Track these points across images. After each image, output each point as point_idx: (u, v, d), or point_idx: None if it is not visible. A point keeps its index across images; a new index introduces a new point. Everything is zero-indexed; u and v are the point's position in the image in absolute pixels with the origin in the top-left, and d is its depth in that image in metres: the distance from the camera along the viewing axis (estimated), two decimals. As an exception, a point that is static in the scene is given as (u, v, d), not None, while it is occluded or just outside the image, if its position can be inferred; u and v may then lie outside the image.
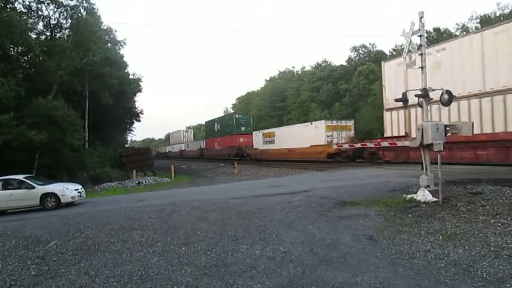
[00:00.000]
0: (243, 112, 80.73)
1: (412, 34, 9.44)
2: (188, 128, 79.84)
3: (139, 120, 43.73)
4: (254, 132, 38.76)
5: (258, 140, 36.44)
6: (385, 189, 10.29)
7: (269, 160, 32.81)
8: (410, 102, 10.41)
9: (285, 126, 40.39)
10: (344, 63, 66.17)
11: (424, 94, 9.32)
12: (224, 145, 43.92)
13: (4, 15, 21.57)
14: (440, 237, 5.89)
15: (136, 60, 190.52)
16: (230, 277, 4.97)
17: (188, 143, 63.50)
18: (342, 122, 26.47)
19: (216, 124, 49.27)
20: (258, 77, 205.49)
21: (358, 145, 22.57)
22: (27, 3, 26.55)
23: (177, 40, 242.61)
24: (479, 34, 14.79)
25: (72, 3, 27.94)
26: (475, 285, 4.17)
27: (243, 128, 42.44)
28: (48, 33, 29.50)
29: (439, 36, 44.30)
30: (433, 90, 9.35)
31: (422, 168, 9.52)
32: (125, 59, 36.29)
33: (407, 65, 9.96)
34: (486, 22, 40.99)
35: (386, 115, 19.92)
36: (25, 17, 24.61)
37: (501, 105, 13.67)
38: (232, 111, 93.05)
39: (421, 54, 9.42)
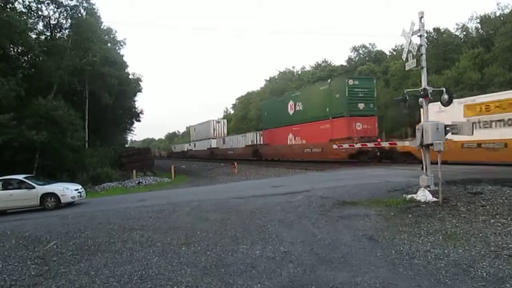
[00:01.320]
0: (242, 112, 79.04)
1: (412, 34, 9.44)
2: (218, 119, 57.28)
3: (139, 120, 43.90)
4: (433, 105, 11.89)
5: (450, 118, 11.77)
6: (385, 189, 10.28)
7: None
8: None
9: None
10: (344, 63, 66.24)
11: (424, 94, 9.32)
12: (315, 139, 24.96)
13: (4, 15, 21.57)
14: (440, 237, 5.89)
15: (136, 60, 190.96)
16: (230, 277, 4.97)
17: (223, 138, 46.05)
18: None
19: (291, 102, 28.73)
20: (258, 77, 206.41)
21: None
22: (27, 3, 26.62)
23: (177, 40, 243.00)
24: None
25: (72, 3, 28.05)
26: (475, 285, 4.17)
27: (361, 106, 22.47)
28: (48, 33, 29.56)
29: (439, 36, 44.35)
30: (433, 89, 9.35)
31: (422, 168, 9.52)
32: (125, 59, 36.59)
33: (407, 65, 9.97)
34: (486, 22, 41.07)
35: None
36: (25, 17, 24.62)
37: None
38: (232, 112, 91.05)
39: (421, 54, 9.42)
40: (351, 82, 22.90)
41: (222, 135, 48.23)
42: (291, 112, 28.79)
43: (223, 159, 40.68)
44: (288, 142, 28.88)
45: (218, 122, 51.80)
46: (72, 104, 26.99)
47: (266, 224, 7.63)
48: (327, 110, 23.81)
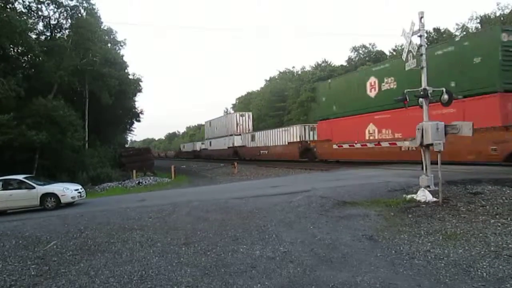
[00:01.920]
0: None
1: (412, 34, 9.44)
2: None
3: (139, 120, 43.90)
4: None
5: None
6: (385, 189, 10.28)
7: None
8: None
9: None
10: (344, 63, 66.30)
11: (424, 94, 9.32)
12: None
13: (4, 15, 21.59)
14: (440, 237, 5.89)
15: (136, 60, 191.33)
16: (230, 277, 4.97)
17: (251, 133, 38.23)
18: None
19: (372, 79, 20.04)
20: (258, 77, 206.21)
21: None
22: (27, 3, 26.68)
23: (177, 40, 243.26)
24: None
25: (72, 3, 28.09)
26: (475, 285, 4.17)
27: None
28: (48, 33, 29.58)
29: (439, 36, 44.37)
30: (433, 90, 9.34)
31: (422, 168, 9.52)
32: (125, 59, 36.49)
33: (407, 65, 9.97)
34: (486, 22, 41.07)
35: None
36: (25, 17, 24.66)
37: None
38: (232, 111, 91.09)
39: (422, 54, 9.42)
40: (505, 37, 13.68)
41: (248, 131, 40.55)
42: (371, 93, 19.99)
43: (252, 161, 33.18)
44: (367, 136, 20.33)
45: (242, 115, 43.07)
46: (72, 104, 27.02)
47: (266, 224, 7.63)
48: (452, 85, 14.64)
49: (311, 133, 28.87)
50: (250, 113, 45.42)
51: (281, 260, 5.45)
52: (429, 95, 9.32)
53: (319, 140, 25.64)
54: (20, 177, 13.73)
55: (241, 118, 42.30)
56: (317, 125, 26.72)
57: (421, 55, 9.42)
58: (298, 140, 28.93)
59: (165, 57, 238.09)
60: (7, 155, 20.63)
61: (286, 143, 30.40)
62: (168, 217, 9.08)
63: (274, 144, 32.67)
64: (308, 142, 27.81)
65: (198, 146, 55.82)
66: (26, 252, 7.10)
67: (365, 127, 20.34)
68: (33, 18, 27.48)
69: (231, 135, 41.33)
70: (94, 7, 29.85)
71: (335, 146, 22.78)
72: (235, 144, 40.25)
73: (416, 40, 9.58)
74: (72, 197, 13.37)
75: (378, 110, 19.45)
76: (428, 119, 9.38)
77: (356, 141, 20.88)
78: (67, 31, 29.43)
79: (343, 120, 22.37)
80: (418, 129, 9.07)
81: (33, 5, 27.05)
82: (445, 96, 9.19)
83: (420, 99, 9.57)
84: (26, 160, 21.45)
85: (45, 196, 12.99)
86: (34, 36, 26.96)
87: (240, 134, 40.43)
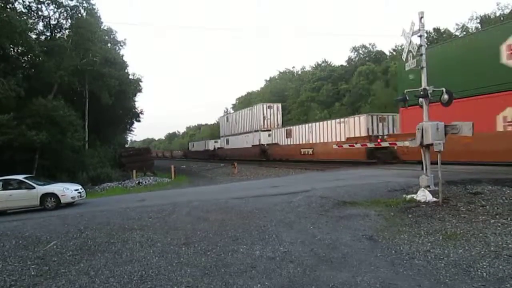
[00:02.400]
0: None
1: (412, 34, 9.44)
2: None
3: (139, 120, 43.85)
4: None
5: None
6: (385, 189, 10.28)
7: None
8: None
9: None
10: (344, 63, 66.37)
11: (424, 94, 9.31)
12: None
13: (4, 15, 21.60)
14: (440, 237, 5.88)
15: (136, 60, 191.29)
16: (230, 277, 4.97)
17: (286, 128, 31.92)
18: None
19: None
20: (258, 77, 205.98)
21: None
22: (27, 3, 26.70)
23: (177, 40, 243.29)
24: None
25: (72, 3, 28.12)
26: (475, 285, 4.17)
27: None
28: (48, 33, 29.59)
29: (439, 36, 44.39)
30: (433, 89, 9.34)
31: (422, 168, 9.52)
32: (125, 59, 36.46)
33: (407, 65, 9.97)
34: (486, 22, 41.09)
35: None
36: (25, 17, 24.68)
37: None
38: (233, 111, 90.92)
39: (421, 54, 9.42)
40: None
41: (277, 126, 34.76)
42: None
43: (283, 161, 27.89)
44: (499, 126, 13.31)
45: (269, 107, 36.23)
46: (72, 104, 27.02)
47: (266, 224, 7.63)
48: None
49: (380, 125, 22.42)
50: (279, 105, 38.23)
51: (281, 260, 5.45)
52: (429, 95, 9.32)
53: (402, 134, 17.85)
54: (20, 177, 13.72)
55: (268, 110, 35.64)
56: (399, 113, 18.64)
57: (421, 55, 9.41)
58: (366, 134, 21.67)
59: (165, 57, 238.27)
60: (7, 155, 20.62)
61: (344, 140, 23.46)
62: (168, 217, 9.08)
63: (322, 141, 25.66)
64: (381, 137, 20.84)
65: (212, 144, 49.83)
66: (26, 252, 7.10)
67: (496, 112, 13.28)
68: (33, 18, 27.50)
69: (256, 131, 35.16)
70: (94, 7, 29.91)
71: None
72: (262, 142, 34.03)
73: (416, 40, 9.58)
74: (72, 197, 13.37)
75: None
76: (427, 119, 9.38)
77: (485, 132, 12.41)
78: (67, 31, 29.45)
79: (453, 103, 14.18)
80: (418, 129, 9.07)
81: (33, 5, 27.09)
82: (445, 96, 9.18)
83: (420, 99, 9.57)
84: (26, 160, 21.45)
85: (45, 196, 12.98)
86: (34, 36, 26.97)
87: (269, 130, 34.31)
